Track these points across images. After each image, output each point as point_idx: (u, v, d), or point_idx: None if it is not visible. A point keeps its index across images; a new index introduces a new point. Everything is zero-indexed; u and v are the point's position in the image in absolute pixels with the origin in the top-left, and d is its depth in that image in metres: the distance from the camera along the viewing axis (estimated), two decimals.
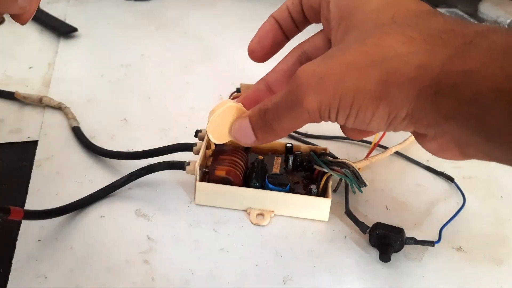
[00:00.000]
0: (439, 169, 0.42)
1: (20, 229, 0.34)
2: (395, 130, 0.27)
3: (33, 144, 0.43)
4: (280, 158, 0.40)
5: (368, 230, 0.34)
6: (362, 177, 0.36)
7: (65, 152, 0.42)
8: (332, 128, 0.47)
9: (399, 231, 0.34)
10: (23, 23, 0.32)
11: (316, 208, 0.36)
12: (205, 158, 0.37)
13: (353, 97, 0.25)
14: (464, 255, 0.35)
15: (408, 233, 0.34)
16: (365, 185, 0.36)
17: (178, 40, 0.64)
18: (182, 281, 0.31)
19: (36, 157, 0.41)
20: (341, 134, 0.45)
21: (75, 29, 0.63)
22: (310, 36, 0.34)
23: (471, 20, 0.65)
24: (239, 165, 0.37)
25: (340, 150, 0.44)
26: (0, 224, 0.34)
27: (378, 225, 0.34)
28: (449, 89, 0.22)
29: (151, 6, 0.74)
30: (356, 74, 0.25)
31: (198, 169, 0.35)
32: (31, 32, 0.63)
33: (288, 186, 0.36)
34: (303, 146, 0.40)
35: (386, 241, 0.33)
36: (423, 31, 0.24)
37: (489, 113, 0.21)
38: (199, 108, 0.49)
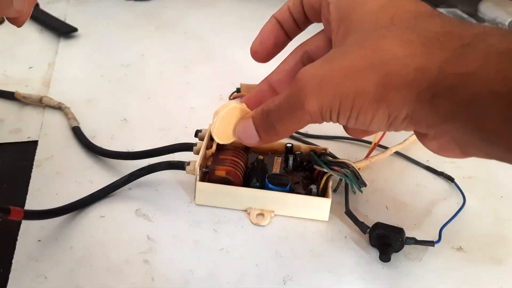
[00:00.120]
0: (439, 169, 0.42)
1: (20, 229, 0.34)
2: (396, 130, 0.27)
3: (33, 144, 0.43)
4: (280, 158, 0.40)
5: (368, 230, 0.34)
6: (362, 177, 0.36)
7: (65, 152, 0.42)
8: (332, 128, 0.47)
9: (399, 231, 0.34)
10: (19, 26, 0.32)
11: (316, 208, 0.36)
12: (205, 158, 0.37)
13: (353, 100, 0.25)
14: (464, 255, 0.35)
15: (408, 233, 0.34)
16: (365, 185, 0.36)
17: (178, 40, 0.64)
18: (182, 281, 0.31)
19: (36, 157, 0.41)
20: (341, 134, 0.46)
21: (75, 29, 0.63)
22: (311, 35, 0.34)
23: (471, 19, 0.65)
24: (239, 165, 0.37)
25: (340, 150, 0.44)
26: (0, 224, 0.34)
27: (378, 225, 0.34)
28: (447, 92, 0.23)
29: (151, 6, 0.74)
30: (356, 77, 0.25)
31: (198, 169, 0.35)
32: (31, 32, 0.63)
33: (288, 186, 0.36)
34: (303, 146, 0.40)
35: (386, 241, 0.33)
36: (421, 34, 0.25)
37: (486, 116, 0.21)
38: (199, 108, 0.49)
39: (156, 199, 0.37)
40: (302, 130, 0.46)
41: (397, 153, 0.44)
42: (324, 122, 0.28)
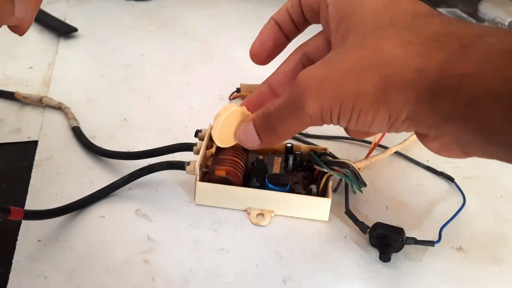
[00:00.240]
0: (439, 169, 0.42)
1: (20, 229, 0.34)
2: (396, 131, 0.27)
3: (33, 144, 0.43)
4: (280, 158, 0.40)
5: (368, 230, 0.34)
6: (362, 177, 0.36)
7: (65, 152, 0.42)
8: (332, 128, 0.47)
9: (399, 231, 0.34)
10: (21, 34, 0.32)
11: (316, 208, 0.36)
12: (205, 158, 0.37)
13: (354, 101, 0.25)
14: (464, 255, 0.35)
15: (408, 233, 0.34)
16: (365, 185, 0.36)
17: (178, 40, 0.64)
18: (182, 281, 0.31)
19: (36, 157, 0.41)
20: (341, 134, 0.46)
21: (75, 29, 0.63)
22: (311, 36, 0.34)
23: (471, 19, 0.65)
24: (239, 165, 0.37)
25: (340, 150, 0.44)
26: (0, 224, 0.34)
27: (378, 225, 0.34)
28: (447, 92, 0.23)
29: (151, 6, 0.74)
30: (356, 78, 0.25)
31: (198, 169, 0.35)
32: (31, 32, 0.63)
33: (288, 186, 0.36)
34: (303, 146, 0.40)
35: (386, 241, 0.33)
36: (420, 34, 0.24)
37: (487, 116, 0.21)
38: (199, 108, 0.49)
39: (156, 199, 0.37)
40: None
41: (397, 153, 0.44)
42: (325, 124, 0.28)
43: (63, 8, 0.70)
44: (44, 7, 0.69)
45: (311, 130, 0.46)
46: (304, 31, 0.35)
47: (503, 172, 0.43)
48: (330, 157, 0.37)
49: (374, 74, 0.25)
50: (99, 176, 0.39)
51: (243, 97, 0.50)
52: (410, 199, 0.39)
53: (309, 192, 0.36)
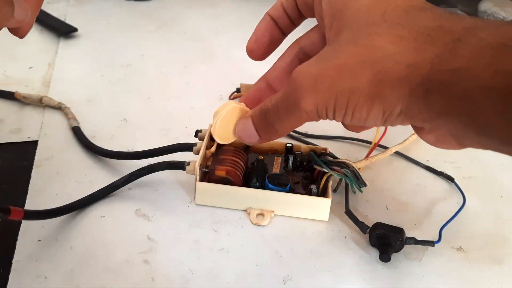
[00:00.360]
0: (439, 169, 0.42)
1: (20, 229, 0.34)
2: (392, 125, 0.27)
3: (33, 144, 0.43)
4: (280, 158, 0.40)
5: (368, 230, 0.34)
6: (362, 177, 0.36)
7: (65, 152, 0.42)
8: (332, 128, 0.47)
9: (399, 231, 0.34)
10: (21, 37, 0.31)
11: (316, 208, 0.36)
12: (205, 158, 0.37)
13: (348, 98, 0.26)
14: (464, 255, 0.35)
15: (408, 233, 0.34)
16: (365, 185, 0.36)
17: (178, 40, 0.64)
18: (182, 281, 0.31)
19: (36, 157, 0.41)
20: (341, 134, 0.46)
21: (75, 29, 0.63)
22: (306, 30, 0.34)
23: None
24: (239, 165, 0.37)
25: (340, 150, 0.44)
26: (0, 224, 0.34)
27: (378, 225, 0.34)
28: (439, 87, 0.23)
29: (151, 6, 0.74)
30: (350, 75, 0.25)
31: (198, 169, 0.35)
32: (31, 32, 0.62)
33: (288, 186, 0.36)
34: (303, 146, 0.40)
35: (386, 241, 0.33)
36: (412, 29, 0.25)
37: (479, 110, 0.22)
38: (199, 108, 0.49)
39: (156, 199, 0.37)
40: (302, 130, 0.46)
41: (397, 153, 0.44)
42: (322, 120, 0.28)
43: (63, 8, 0.70)
44: (44, 7, 0.69)
45: (311, 130, 0.46)
46: (300, 25, 0.35)
47: (503, 172, 0.43)
48: (330, 157, 0.37)
49: (367, 71, 0.25)
50: (99, 176, 0.39)
51: (241, 96, 0.50)
52: (410, 199, 0.39)
53: (309, 192, 0.36)
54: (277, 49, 0.35)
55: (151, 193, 0.38)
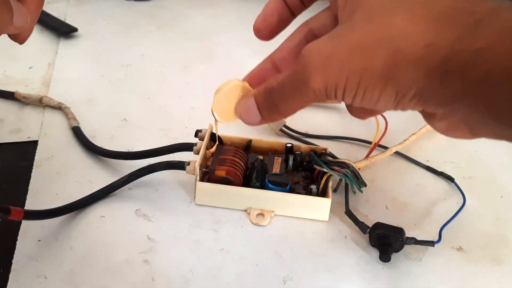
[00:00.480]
0: (439, 169, 0.42)
1: (20, 229, 0.34)
2: (403, 109, 0.26)
3: (33, 144, 0.43)
4: (280, 158, 0.40)
5: (368, 230, 0.34)
6: (362, 177, 0.36)
7: (65, 152, 0.42)
8: (332, 128, 0.47)
9: (399, 231, 0.34)
10: (21, 43, 0.31)
11: (316, 208, 0.36)
12: (205, 158, 0.37)
13: (360, 77, 0.25)
14: (464, 255, 0.35)
15: (408, 233, 0.34)
16: (365, 185, 0.36)
17: (178, 40, 0.64)
18: (182, 281, 0.31)
19: (36, 157, 0.41)
20: (341, 134, 0.46)
21: (75, 29, 0.63)
22: (316, 13, 0.32)
23: None
24: (239, 165, 0.37)
25: (340, 150, 0.44)
26: (0, 224, 0.34)
27: (378, 225, 0.34)
28: (459, 69, 0.22)
29: (151, 6, 0.74)
30: (364, 53, 0.24)
31: (198, 169, 0.35)
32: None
33: (288, 186, 0.36)
34: (303, 146, 0.40)
35: (386, 241, 0.33)
36: (432, 9, 0.24)
37: (499, 94, 0.21)
38: (199, 108, 0.49)
39: (156, 199, 0.37)
40: (302, 130, 0.46)
41: (397, 153, 0.44)
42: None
43: (63, 8, 0.70)
44: (44, 7, 0.68)
45: (311, 130, 0.46)
46: (309, 8, 0.33)
47: (503, 172, 0.43)
48: (330, 157, 0.37)
49: (382, 50, 0.24)
50: (99, 176, 0.39)
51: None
52: (410, 199, 0.39)
53: (309, 192, 0.36)
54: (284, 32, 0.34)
55: (151, 193, 0.38)
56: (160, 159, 0.39)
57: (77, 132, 0.43)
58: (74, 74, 0.54)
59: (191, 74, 0.56)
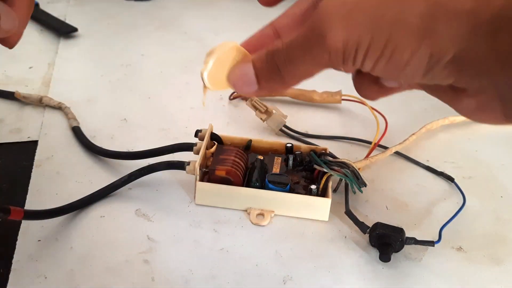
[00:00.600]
0: (439, 169, 0.42)
1: (20, 229, 0.34)
2: (432, 81, 0.22)
3: (33, 144, 0.43)
4: (280, 158, 0.40)
5: (368, 230, 0.34)
6: (362, 177, 0.36)
7: (65, 152, 0.42)
8: (332, 128, 0.47)
9: (399, 231, 0.33)
10: (10, 47, 0.30)
11: (316, 208, 0.36)
12: (205, 158, 0.37)
13: (390, 33, 0.21)
14: (464, 255, 0.35)
15: (408, 233, 0.34)
16: (365, 185, 0.36)
17: (178, 40, 0.64)
18: (182, 281, 0.31)
19: (36, 157, 0.41)
20: (341, 134, 0.46)
21: (75, 29, 0.63)
22: None
23: None
24: (239, 165, 0.37)
25: (340, 150, 0.44)
26: (0, 224, 0.34)
27: (378, 225, 0.34)
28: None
29: (151, 6, 0.74)
30: (396, 4, 0.21)
31: (198, 169, 0.35)
32: (31, 32, 0.63)
33: (288, 186, 0.36)
34: (303, 146, 0.40)
35: (386, 241, 0.33)
36: None
37: None
38: (199, 108, 0.49)
39: (156, 199, 0.37)
40: (302, 130, 0.46)
41: (397, 153, 0.44)
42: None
43: (63, 8, 0.70)
44: (44, 7, 0.69)
45: (311, 130, 0.46)
46: None
47: (503, 172, 0.43)
48: (330, 157, 0.37)
49: (420, 1, 0.20)
50: (99, 176, 0.39)
51: (243, 97, 0.50)
52: (410, 199, 0.39)
53: (309, 192, 0.36)
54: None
55: (151, 193, 0.38)
56: (160, 159, 0.39)
57: (77, 132, 0.43)
58: (74, 74, 0.54)
59: (191, 74, 0.56)
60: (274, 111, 0.45)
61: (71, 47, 0.60)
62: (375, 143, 0.41)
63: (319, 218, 0.36)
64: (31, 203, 0.36)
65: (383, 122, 0.42)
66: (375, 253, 0.34)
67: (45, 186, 0.38)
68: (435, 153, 0.44)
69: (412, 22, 0.20)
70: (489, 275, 0.33)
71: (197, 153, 0.37)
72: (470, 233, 0.36)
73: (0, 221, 0.34)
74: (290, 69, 0.24)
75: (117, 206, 0.36)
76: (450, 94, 0.24)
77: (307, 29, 0.23)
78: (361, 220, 0.35)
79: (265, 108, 0.45)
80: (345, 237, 0.35)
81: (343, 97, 0.49)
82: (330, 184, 0.36)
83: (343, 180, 0.38)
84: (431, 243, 0.34)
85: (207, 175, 0.37)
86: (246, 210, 0.37)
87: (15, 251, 0.32)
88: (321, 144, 0.44)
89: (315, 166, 0.37)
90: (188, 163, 0.36)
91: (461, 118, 0.47)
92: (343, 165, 0.36)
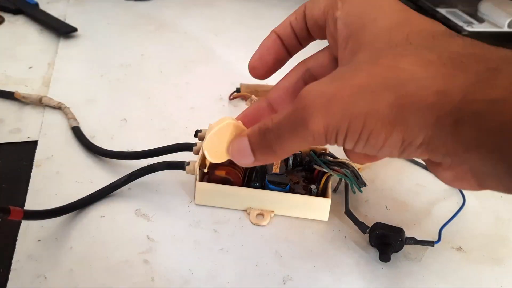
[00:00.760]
0: None
1: (20, 229, 0.34)
2: (408, 157, 0.25)
3: (33, 144, 0.43)
4: None
5: (368, 230, 0.34)
6: (362, 177, 0.36)
7: (65, 152, 0.42)
8: None
9: (399, 231, 0.34)
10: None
11: (316, 208, 0.36)
12: (205, 158, 0.37)
13: (364, 121, 0.23)
14: (464, 255, 0.35)
15: (408, 233, 0.34)
16: (365, 185, 0.36)
17: (178, 40, 0.64)
18: (182, 281, 0.31)
19: (36, 157, 0.41)
20: None
21: (75, 29, 0.63)
22: (313, 52, 0.32)
23: (471, 19, 0.65)
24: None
25: (340, 150, 0.44)
26: (0, 224, 0.34)
27: (378, 225, 0.34)
28: (472, 118, 0.21)
29: (151, 6, 0.74)
30: (369, 96, 0.23)
31: (198, 169, 0.35)
32: (31, 32, 0.63)
33: (288, 186, 0.36)
34: None
35: (386, 241, 0.33)
36: (442, 54, 0.23)
37: None
38: (199, 108, 0.49)
39: (156, 199, 0.37)
40: None
41: None
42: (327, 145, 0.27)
43: (63, 8, 0.70)
44: (44, 7, 0.69)
45: None
46: (306, 47, 0.33)
47: None
48: (330, 157, 0.37)
49: (389, 93, 0.23)
50: (99, 176, 0.39)
51: (243, 97, 0.50)
52: (410, 199, 0.39)
53: (309, 192, 0.36)
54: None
55: (151, 193, 0.38)
56: (160, 159, 0.39)
57: (77, 132, 0.43)
58: (74, 74, 0.54)
59: (191, 74, 0.56)
60: None
61: (71, 47, 0.60)
62: None
63: (319, 218, 0.36)
64: (31, 203, 0.36)
65: None
66: (375, 253, 0.34)
67: (45, 186, 0.38)
68: None
69: (383, 112, 0.23)
70: (489, 275, 0.33)
71: (197, 153, 0.37)
72: (470, 233, 0.36)
73: (0, 221, 0.34)
74: (280, 146, 0.27)
75: (117, 206, 0.36)
76: (430, 165, 0.27)
77: (292, 113, 0.26)
78: (361, 220, 0.35)
79: None
80: (345, 237, 0.35)
81: None
82: (330, 184, 0.36)
83: (343, 180, 0.38)
84: (431, 243, 0.34)
85: (207, 175, 0.37)
86: (246, 210, 0.37)
87: (15, 251, 0.32)
88: None
89: (315, 166, 0.37)
90: (188, 163, 0.36)
91: None
92: (343, 165, 0.36)
